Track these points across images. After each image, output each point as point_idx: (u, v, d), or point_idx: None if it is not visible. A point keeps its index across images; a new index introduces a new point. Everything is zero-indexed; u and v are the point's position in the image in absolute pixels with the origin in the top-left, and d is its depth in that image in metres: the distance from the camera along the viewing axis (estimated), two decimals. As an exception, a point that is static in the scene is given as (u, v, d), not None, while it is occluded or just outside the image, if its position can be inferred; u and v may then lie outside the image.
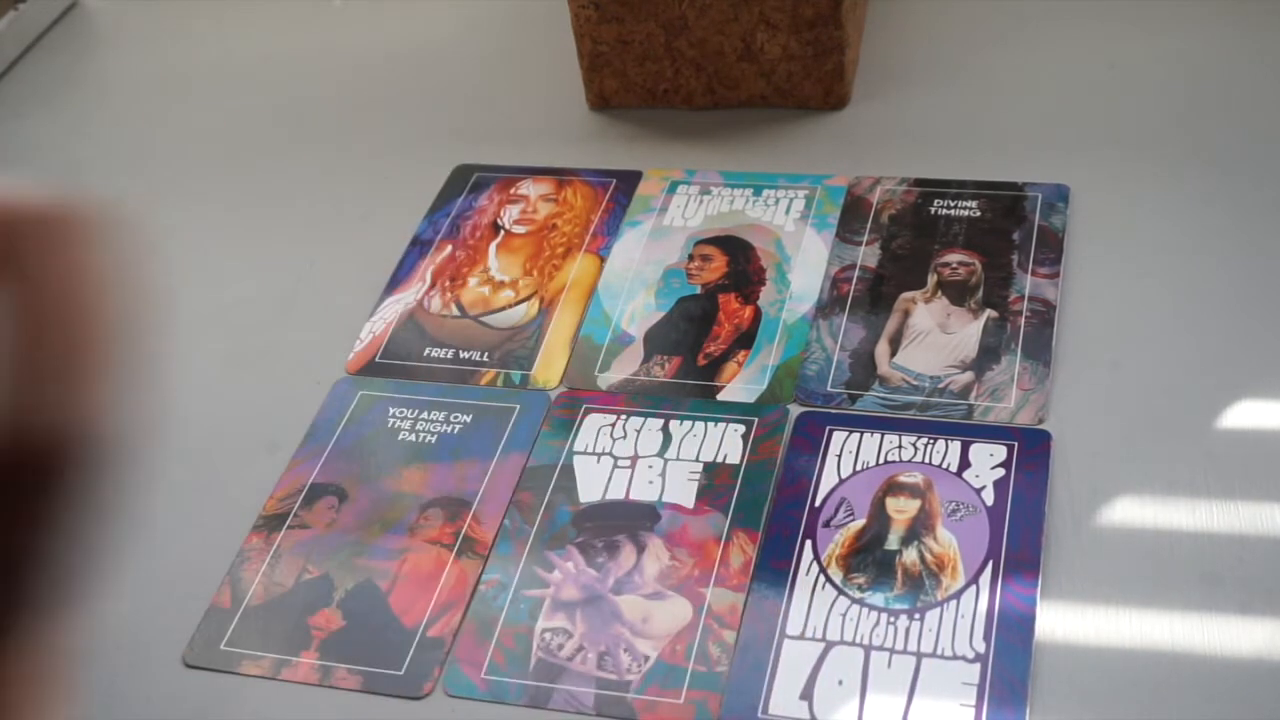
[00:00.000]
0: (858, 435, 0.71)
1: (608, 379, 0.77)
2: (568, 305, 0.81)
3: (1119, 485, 0.67)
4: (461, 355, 0.79)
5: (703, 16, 0.89)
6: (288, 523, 0.72)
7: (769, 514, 0.68)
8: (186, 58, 1.10)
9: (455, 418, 0.76)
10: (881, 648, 0.62)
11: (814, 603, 0.64)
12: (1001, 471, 0.68)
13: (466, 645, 0.65)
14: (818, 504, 0.68)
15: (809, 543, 0.67)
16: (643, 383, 0.76)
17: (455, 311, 0.82)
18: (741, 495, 0.69)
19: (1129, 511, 0.66)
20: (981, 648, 0.61)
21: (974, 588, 0.64)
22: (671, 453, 0.72)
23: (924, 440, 0.70)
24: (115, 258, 0.30)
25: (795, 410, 0.73)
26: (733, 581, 0.66)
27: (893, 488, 0.68)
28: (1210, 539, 0.64)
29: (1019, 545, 0.65)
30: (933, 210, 0.83)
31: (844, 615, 0.63)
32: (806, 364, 0.75)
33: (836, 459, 0.70)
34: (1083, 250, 0.79)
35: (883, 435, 0.71)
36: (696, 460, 0.71)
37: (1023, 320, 0.75)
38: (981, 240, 0.81)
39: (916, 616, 0.63)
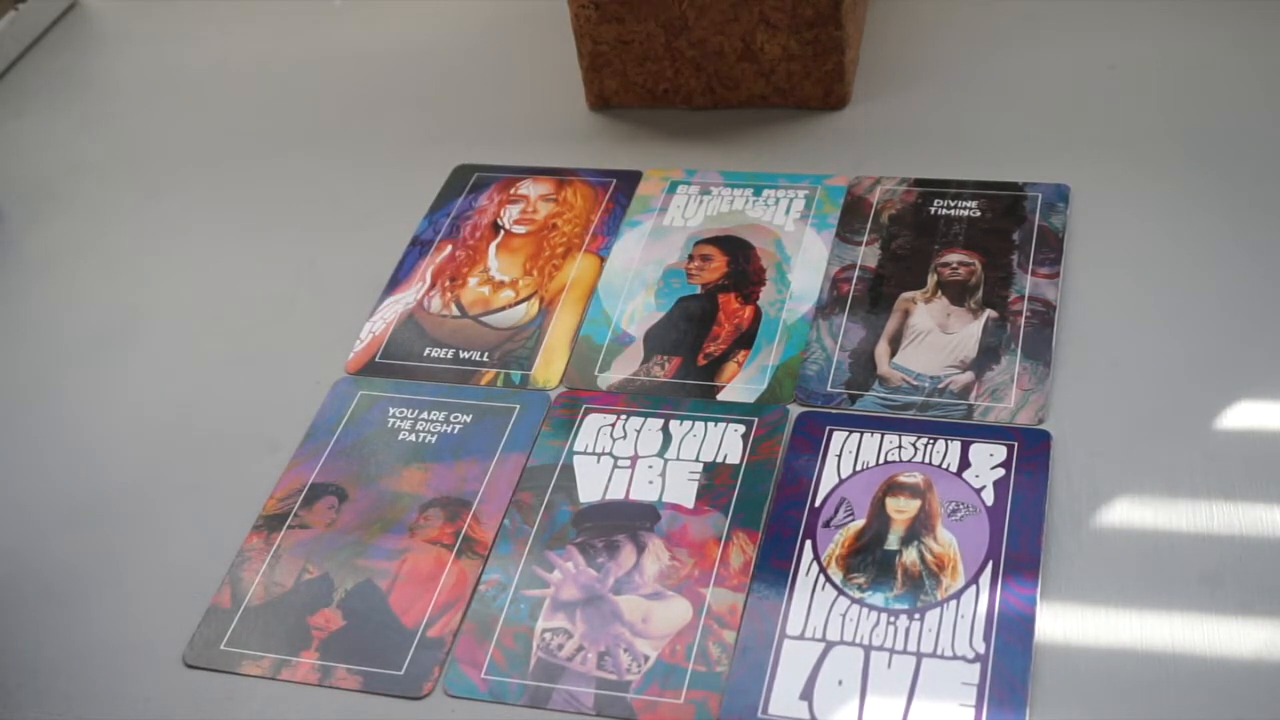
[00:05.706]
0: (858, 435, 0.71)
1: (608, 379, 0.77)
2: (568, 305, 0.81)
3: (1119, 485, 0.67)
4: (461, 355, 0.79)
5: (703, 16, 0.89)
6: (288, 523, 0.72)
7: (769, 514, 0.68)
8: (186, 58, 1.10)
9: (455, 418, 0.76)
10: (881, 648, 0.62)
11: (814, 603, 0.64)
12: (1001, 471, 0.68)
13: (466, 645, 0.65)
14: (818, 504, 0.68)
15: (809, 543, 0.67)
16: (643, 383, 0.76)
17: (455, 311, 0.82)
18: (741, 495, 0.69)
19: (1129, 511, 0.66)
20: (981, 648, 0.61)
21: (974, 588, 0.64)
22: (671, 453, 0.72)
23: (924, 440, 0.70)
24: None
25: (795, 410, 0.73)
26: (733, 581, 0.66)
27: (893, 488, 0.68)
28: (1210, 539, 0.64)
29: (1019, 545, 0.65)
30: (933, 210, 0.83)
31: (844, 615, 0.63)
32: (806, 364, 0.75)
33: (836, 459, 0.70)
34: (1083, 250, 0.79)
35: (883, 435, 0.71)
36: (696, 460, 0.71)
37: (1023, 320, 0.75)
38: (981, 240, 0.81)
39: (916, 616, 0.63)
